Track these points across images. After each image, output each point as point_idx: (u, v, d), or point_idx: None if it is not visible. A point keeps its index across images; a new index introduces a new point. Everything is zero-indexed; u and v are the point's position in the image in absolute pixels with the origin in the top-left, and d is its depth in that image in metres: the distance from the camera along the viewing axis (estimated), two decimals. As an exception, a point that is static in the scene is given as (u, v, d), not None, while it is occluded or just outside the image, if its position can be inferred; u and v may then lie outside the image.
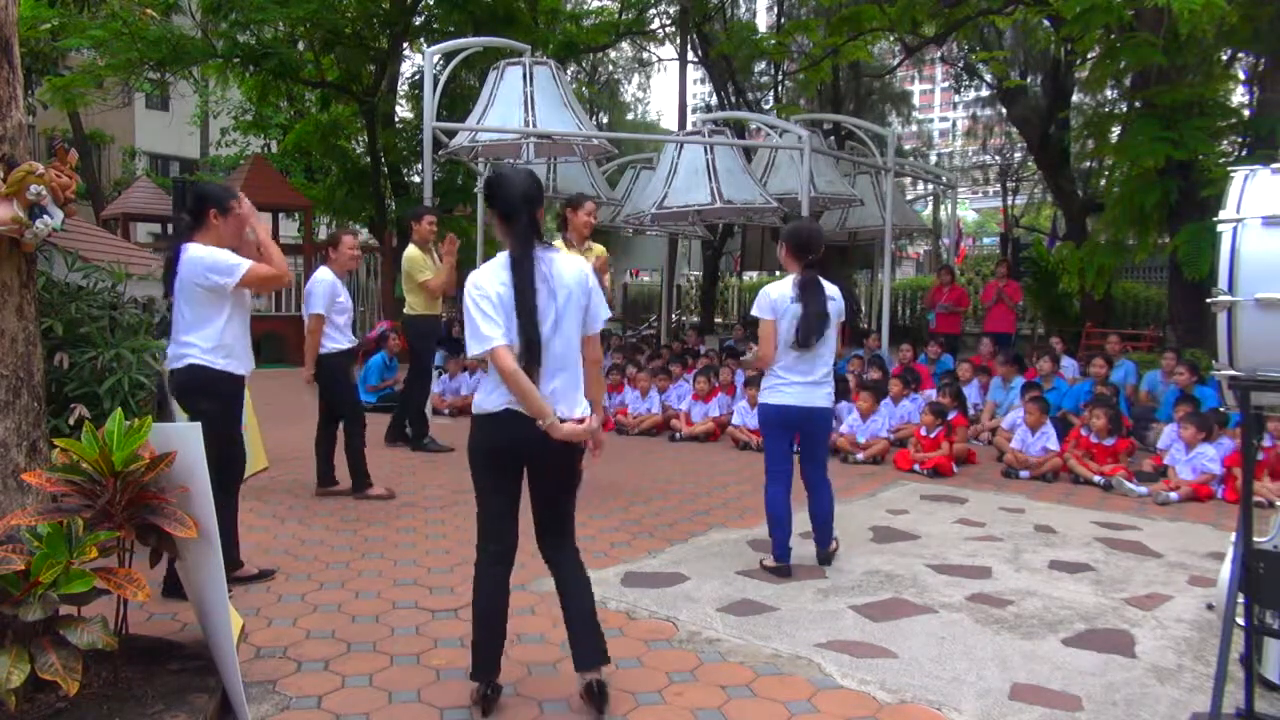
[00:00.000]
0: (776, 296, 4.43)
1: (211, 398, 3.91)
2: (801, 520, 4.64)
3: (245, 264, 3.92)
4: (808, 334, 4.34)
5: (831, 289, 4.48)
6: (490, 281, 2.90)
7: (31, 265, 3.19)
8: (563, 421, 2.90)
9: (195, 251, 3.89)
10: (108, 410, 3.84)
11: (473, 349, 2.87)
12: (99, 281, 4.61)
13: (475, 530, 3.05)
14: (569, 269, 3.00)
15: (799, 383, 4.40)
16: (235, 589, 3.91)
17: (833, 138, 16.62)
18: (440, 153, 10.35)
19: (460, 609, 3.96)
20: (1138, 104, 10.81)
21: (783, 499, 4.48)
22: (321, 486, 5.88)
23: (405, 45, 16.42)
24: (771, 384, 4.48)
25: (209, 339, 3.91)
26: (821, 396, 4.46)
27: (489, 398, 2.95)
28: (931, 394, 8.37)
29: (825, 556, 4.61)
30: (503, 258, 2.96)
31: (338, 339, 5.80)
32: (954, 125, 47.86)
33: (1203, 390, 7.66)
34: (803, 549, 4.56)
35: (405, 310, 7.37)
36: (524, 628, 3.74)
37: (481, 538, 3.05)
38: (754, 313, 4.56)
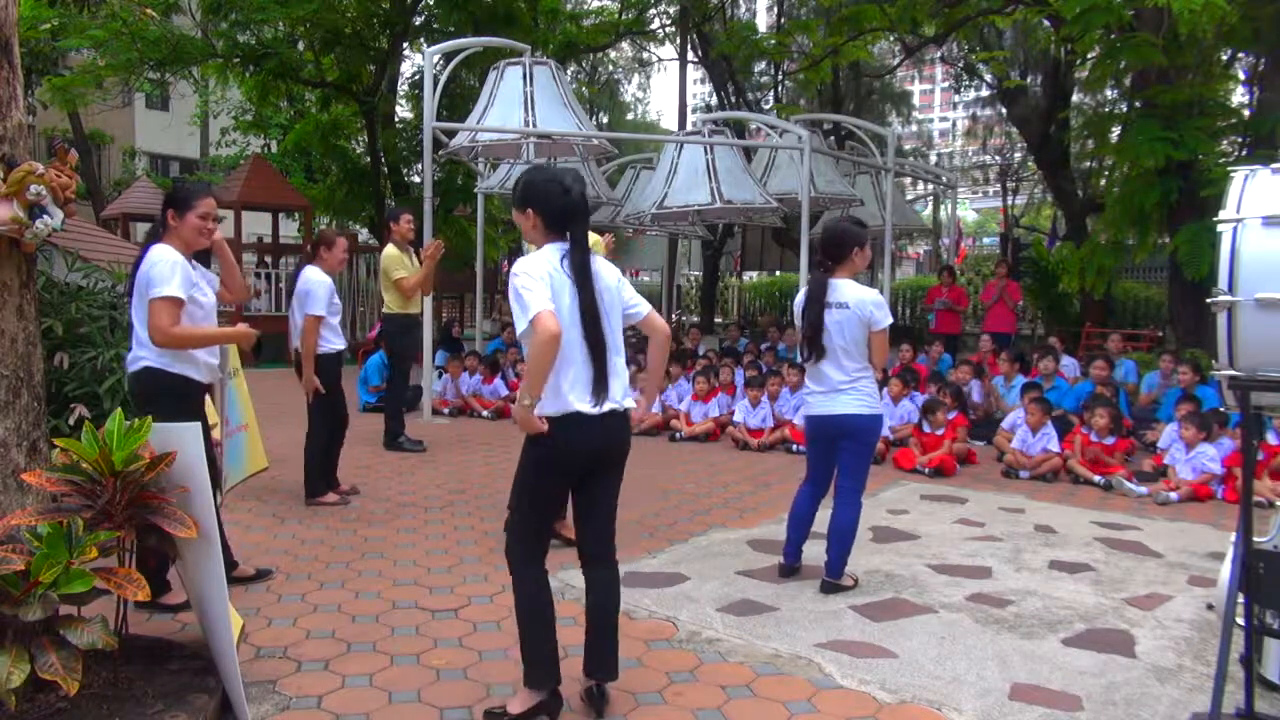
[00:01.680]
0: (797, 302, 4.39)
1: (167, 401, 3.67)
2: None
3: (167, 293, 3.66)
4: (807, 345, 4.23)
5: (848, 294, 4.17)
6: (540, 267, 2.84)
7: (31, 265, 3.19)
8: (619, 410, 2.93)
9: (151, 255, 3.74)
10: (108, 410, 3.85)
11: (521, 323, 2.79)
12: (99, 281, 4.63)
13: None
14: (607, 270, 3.01)
15: (816, 391, 4.25)
16: (234, 589, 3.91)
17: (833, 138, 16.63)
18: (440, 153, 10.35)
19: (460, 609, 3.96)
20: (1138, 104, 10.82)
21: (804, 499, 4.42)
22: (339, 493, 5.84)
23: (405, 45, 16.43)
24: (804, 395, 4.46)
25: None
26: (844, 403, 4.17)
27: (555, 401, 2.85)
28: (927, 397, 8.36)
29: (829, 585, 4.25)
30: (552, 252, 2.89)
31: (333, 340, 5.76)
32: (954, 125, 47.91)
33: (1204, 390, 7.67)
34: (809, 550, 4.54)
35: (384, 309, 7.54)
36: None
37: (533, 541, 3.00)
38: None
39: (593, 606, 3.02)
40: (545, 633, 2.93)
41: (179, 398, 3.74)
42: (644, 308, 3.10)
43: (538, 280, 2.81)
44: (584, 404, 2.86)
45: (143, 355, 3.77)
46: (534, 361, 2.74)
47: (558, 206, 2.91)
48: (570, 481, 3.00)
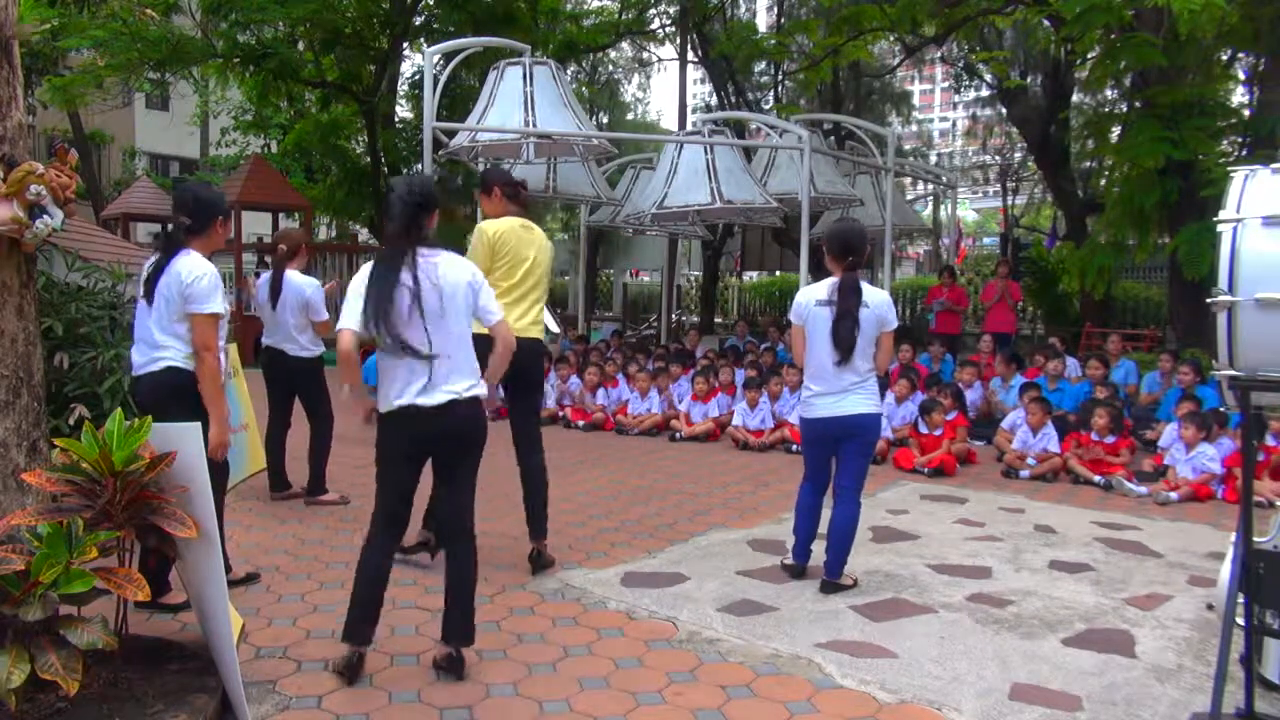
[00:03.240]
0: (804, 301, 4.29)
1: (190, 400, 3.67)
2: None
3: (217, 310, 3.72)
4: (843, 346, 4.12)
5: (873, 295, 4.21)
6: (361, 275, 3.25)
7: (31, 265, 3.19)
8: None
9: (194, 264, 3.69)
10: (108, 410, 3.84)
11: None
12: (99, 281, 4.62)
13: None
14: (452, 271, 3.29)
15: (824, 393, 4.21)
16: (234, 589, 3.91)
17: (833, 138, 16.62)
18: (440, 153, 10.35)
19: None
20: (1138, 104, 10.82)
21: (808, 499, 4.39)
22: (278, 491, 5.78)
23: (405, 45, 16.42)
24: (803, 396, 4.37)
25: (191, 345, 3.72)
26: (853, 404, 4.18)
27: (384, 398, 3.27)
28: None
29: (829, 585, 4.26)
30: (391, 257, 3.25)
31: (321, 344, 5.73)
32: (954, 125, 47.89)
33: (1204, 390, 7.67)
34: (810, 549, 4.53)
35: None
36: (523, 627, 3.75)
37: (379, 519, 3.43)
38: (789, 316, 4.42)
39: (450, 577, 3.37)
40: (365, 593, 3.30)
41: (199, 397, 3.74)
42: (494, 317, 3.40)
43: (354, 292, 3.19)
44: (407, 398, 3.19)
45: (164, 356, 3.69)
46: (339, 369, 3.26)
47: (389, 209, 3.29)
48: (408, 467, 3.34)
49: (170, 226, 3.82)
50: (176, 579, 3.75)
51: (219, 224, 3.87)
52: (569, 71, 19.04)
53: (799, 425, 4.45)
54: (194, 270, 3.67)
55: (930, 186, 20.11)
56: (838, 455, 4.30)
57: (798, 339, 4.35)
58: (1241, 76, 12.40)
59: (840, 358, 4.15)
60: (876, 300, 4.20)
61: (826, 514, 4.37)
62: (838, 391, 4.19)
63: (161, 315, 3.71)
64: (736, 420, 8.21)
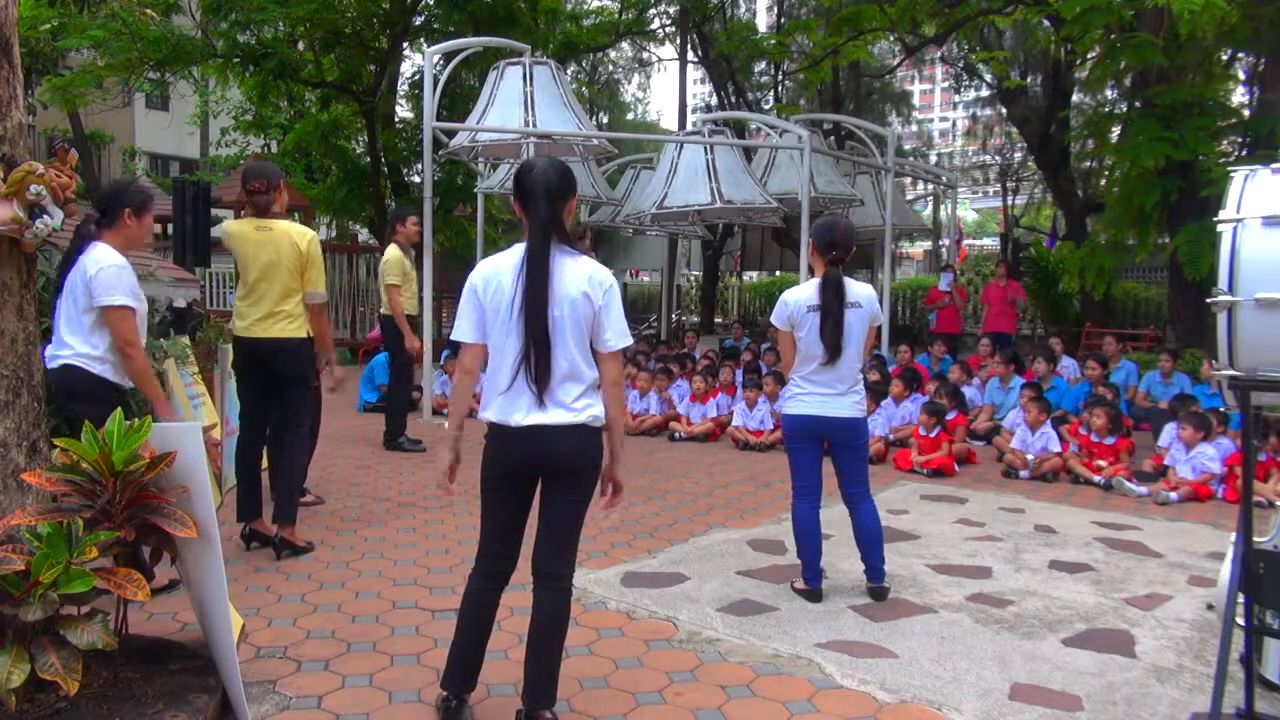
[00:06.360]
0: (792, 305, 4.12)
1: (90, 402, 3.43)
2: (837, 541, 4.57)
3: (128, 304, 3.56)
4: (829, 346, 4.01)
5: (859, 292, 4.12)
6: (479, 271, 2.83)
7: (31, 265, 3.19)
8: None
9: (96, 256, 3.54)
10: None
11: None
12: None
13: (476, 531, 3.03)
14: (571, 276, 2.77)
15: (818, 393, 4.09)
16: (234, 588, 3.91)
17: (833, 138, 16.63)
18: (440, 153, 10.35)
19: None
20: (1138, 104, 10.83)
21: (809, 516, 4.16)
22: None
23: (405, 45, 16.43)
24: (790, 393, 4.20)
25: (94, 346, 3.55)
26: (847, 406, 4.09)
27: (485, 409, 2.85)
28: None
29: (879, 591, 4.16)
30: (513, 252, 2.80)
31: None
32: (954, 125, 47.91)
33: (1202, 389, 7.67)
34: (790, 554, 4.52)
35: (382, 310, 7.47)
36: (522, 628, 3.76)
37: (481, 554, 2.96)
38: (772, 320, 4.29)
39: (532, 626, 2.84)
40: (463, 638, 2.90)
41: (103, 399, 3.51)
42: (613, 342, 2.80)
43: (467, 296, 2.79)
44: (501, 416, 2.79)
45: (61, 354, 3.54)
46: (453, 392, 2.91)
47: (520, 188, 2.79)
48: (504, 497, 2.87)
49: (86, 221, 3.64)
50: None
51: (127, 216, 3.67)
52: (569, 71, 19.05)
53: (783, 422, 4.30)
54: (99, 261, 3.53)
55: (930, 186, 20.12)
56: (835, 462, 4.21)
57: (786, 343, 4.20)
58: (1241, 76, 12.41)
59: (827, 359, 4.05)
60: (868, 297, 4.14)
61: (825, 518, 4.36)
62: (842, 391, 4.10)
63: (69, 310, 3.55)
64: (736, 420, 8.20)
